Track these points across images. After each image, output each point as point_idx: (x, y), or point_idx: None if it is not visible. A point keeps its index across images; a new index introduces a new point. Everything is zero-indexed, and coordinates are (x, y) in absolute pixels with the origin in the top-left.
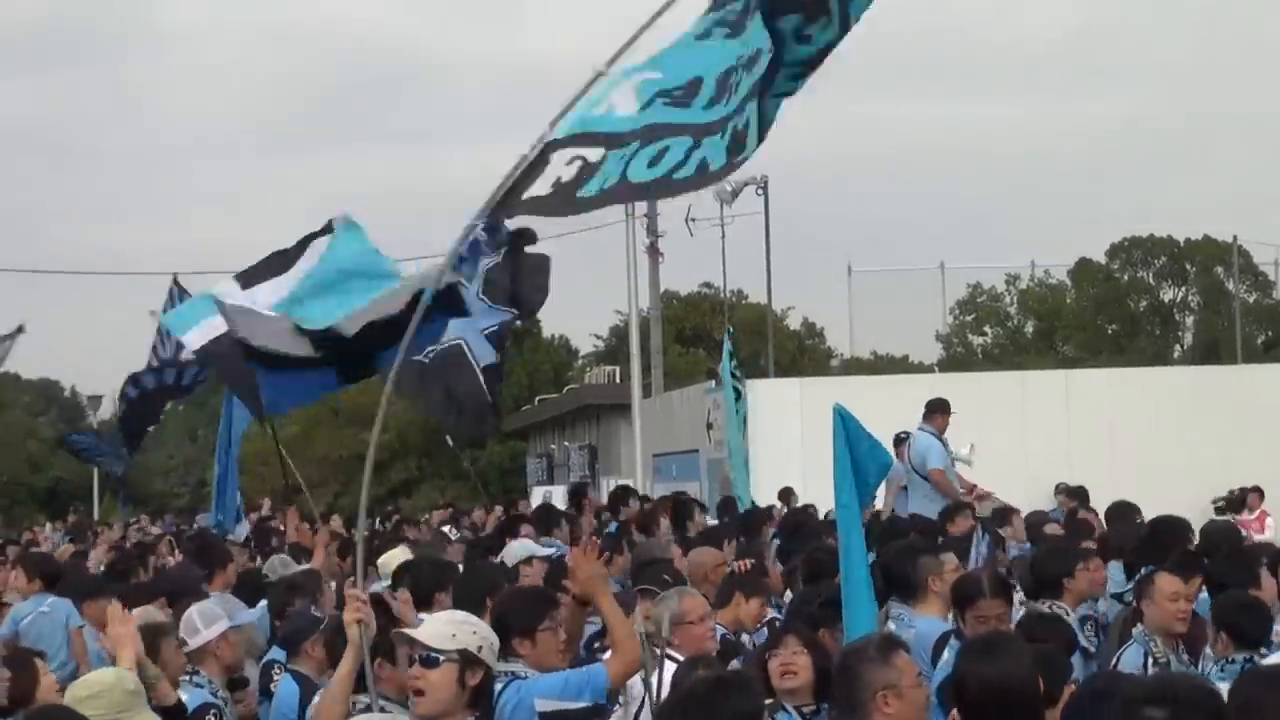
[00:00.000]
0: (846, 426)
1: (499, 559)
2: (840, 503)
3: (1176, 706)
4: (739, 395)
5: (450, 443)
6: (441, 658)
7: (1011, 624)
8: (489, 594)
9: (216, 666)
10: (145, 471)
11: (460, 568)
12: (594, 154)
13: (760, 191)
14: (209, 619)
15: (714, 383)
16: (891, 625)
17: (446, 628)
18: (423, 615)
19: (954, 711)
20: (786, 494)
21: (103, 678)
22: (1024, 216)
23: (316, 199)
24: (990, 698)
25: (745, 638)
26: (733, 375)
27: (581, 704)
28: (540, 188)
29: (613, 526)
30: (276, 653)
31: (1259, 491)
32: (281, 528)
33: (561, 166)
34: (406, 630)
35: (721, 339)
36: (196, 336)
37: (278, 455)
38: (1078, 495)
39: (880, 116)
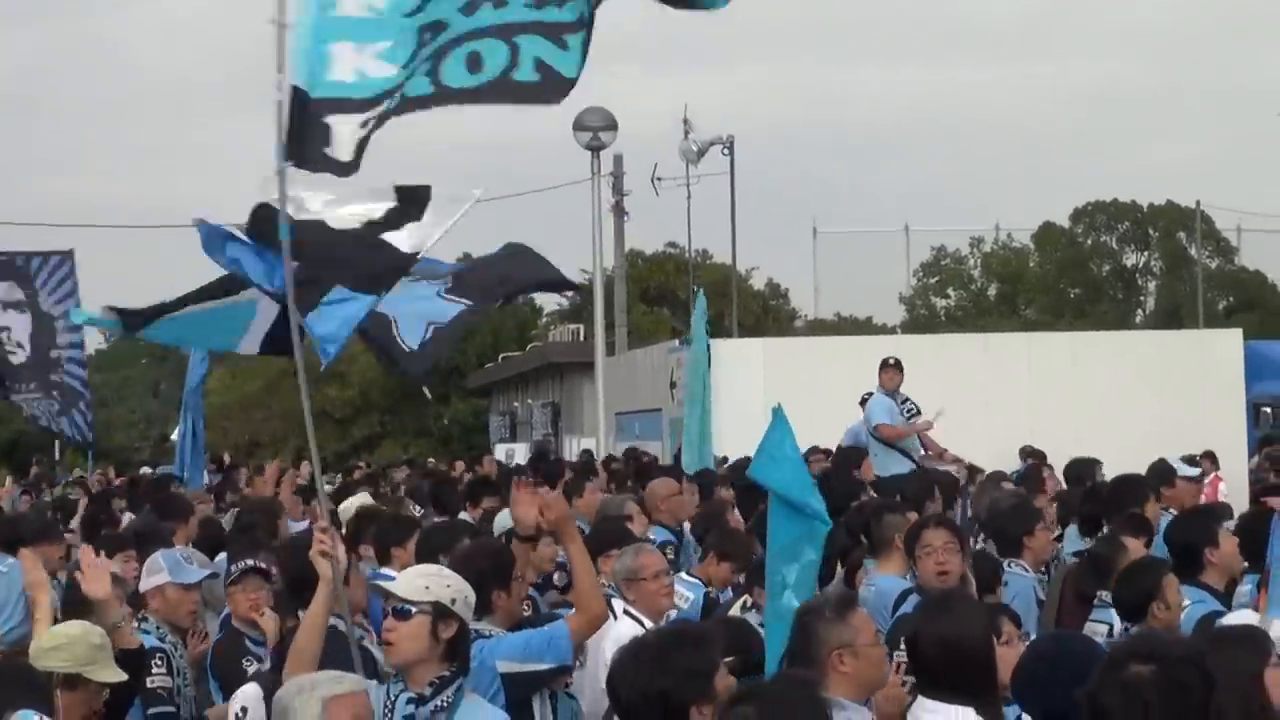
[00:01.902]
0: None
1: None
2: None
3: (1168, 662)
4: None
5: (427, 393)
6: (414, 609)
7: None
8: (446, 550)
9: (157, 616)
10: (106, 426)
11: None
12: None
13: (726, 152)
14: (152, 570)
15: (677, 341)
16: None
17: (420, 580)
18: (386, 570)
19: (894, 655)
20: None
21: (69, 630)
22: (988, 180)
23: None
24: (945, 656)
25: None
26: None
27: (543, 666)
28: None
29: None
30: None
31: (1211, 456)
32: (242, 483)
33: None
34: (380, 583)
35: (686, 298)
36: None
37: (239, 409)
38: (1037, 456)
39: (847, 79)
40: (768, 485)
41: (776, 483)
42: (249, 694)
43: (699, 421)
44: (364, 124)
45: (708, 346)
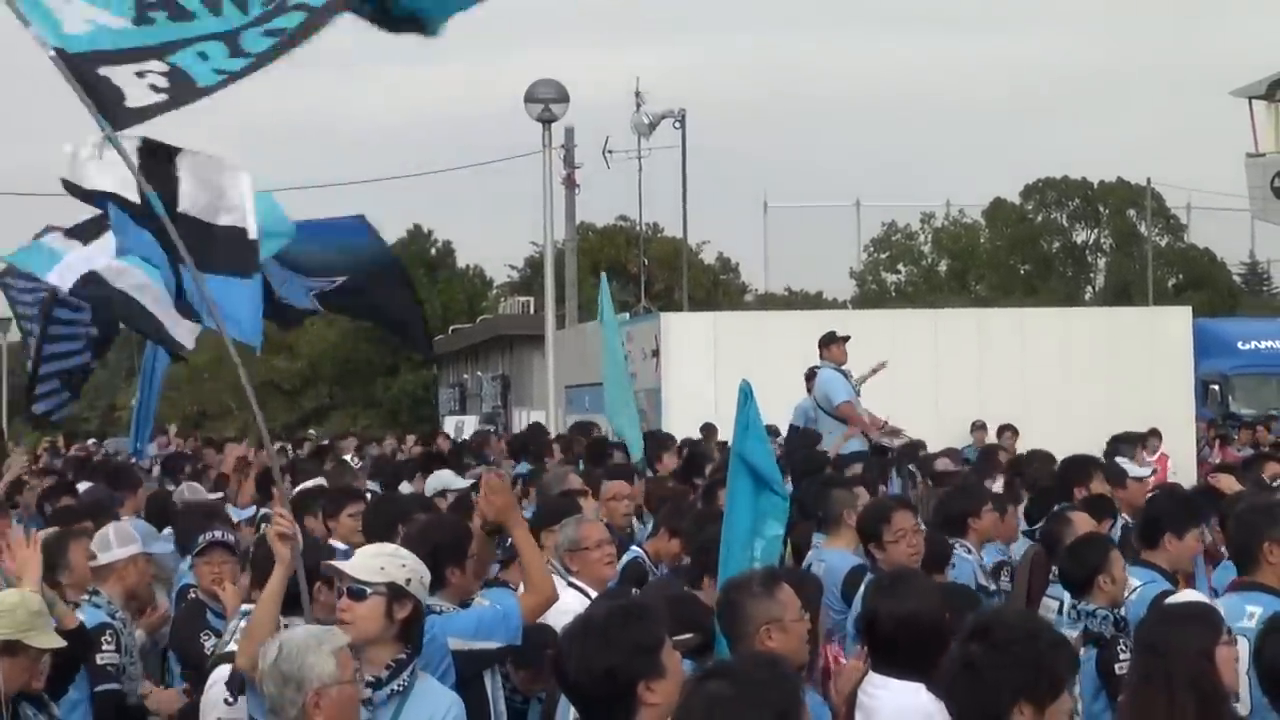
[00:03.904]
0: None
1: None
2: (735, 451)
3: (982, 643)
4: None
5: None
6: (369, 590)
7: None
8: (400, 521)
9: (119, 587)
10: None
11: (367, 494)
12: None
13: (678, 125)
14: (124, 539)
15: (628, 314)
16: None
17: (375, 560)
18: (335, 543)
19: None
20: (708, 430)
21: (6, 597)
22: (940, 155)
23: (237, 126)
24: (901, 633)
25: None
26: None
27: (493, 645)
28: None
29: (522, 467)
30: (191, 577)
31: (1157, 434)
32: (189, 451)
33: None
34: (335, 563)
35: (637, 271)
36: (59, 276)
37: (189, 380)
38: (1013, 432)
39: (799, 53)
40: (749, 461)
41: (755, 458)
42: (224, 675)
43: (629, 403)
44: (140, 74)
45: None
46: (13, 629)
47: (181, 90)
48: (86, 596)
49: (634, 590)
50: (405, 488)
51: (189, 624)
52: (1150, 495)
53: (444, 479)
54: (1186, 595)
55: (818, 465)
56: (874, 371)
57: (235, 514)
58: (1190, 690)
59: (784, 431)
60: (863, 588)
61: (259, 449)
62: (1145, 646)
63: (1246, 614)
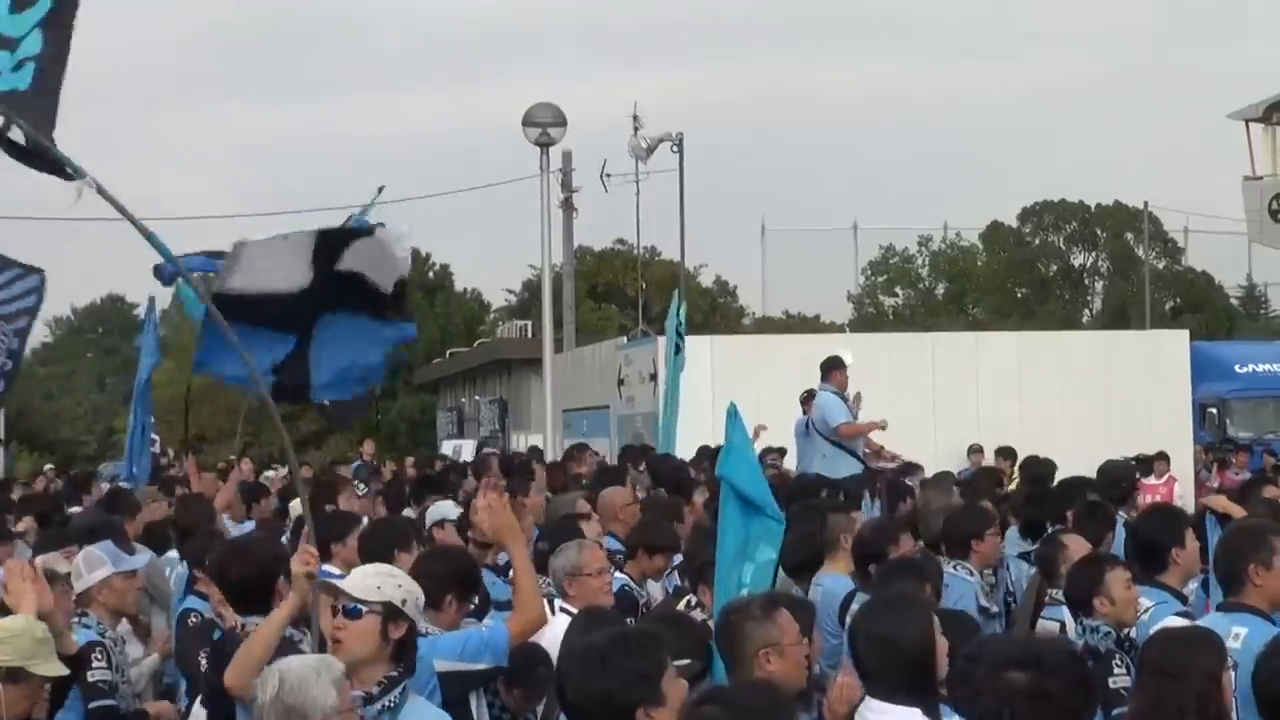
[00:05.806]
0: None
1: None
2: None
3: (1039, 671)
4: (679, 350)
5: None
6: (364, 609)
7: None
8: (397, 546)
9: (103, 610)
10: (52, 419)
11: (365, 519)
12: None
13: (675, 149)
14: (92, 564)
15: (625, 338)
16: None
17: (372, 579)
18: (326, 567)
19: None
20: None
21: (11, 624)
22: (938, 179)
23: (234, 149)
24: (886, 655)
25: (651, 585)
26: (677, 333)
27: (480, 666)
28: None
29: None
30: (192, 601)
31: (1164, 457)
32: (184, 474)
33: None
34: (331, 580)
35: (634, 294)
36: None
37: (184, 405)
38: (1009, 455)
39: (798, 76)
40: (733, 484)
41: (739, 481)
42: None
43: (666, 420)
44: None
45: (678, 347)
46: (17, 656)
47: None
48: (76, 618)
49: (628, 620)
50: (407, 513)
51: (191, 643)
52: (1134, 527)
53: (443, 509)
54: (1180, 620)
55: (813, 489)
56: (872, 425)
57: (233, 530)
58: (1198, 715)
59: (791, 450)
60: (852, 609)
61: (258, 473)
62: (1155, 670)
63: (1231, 635)
